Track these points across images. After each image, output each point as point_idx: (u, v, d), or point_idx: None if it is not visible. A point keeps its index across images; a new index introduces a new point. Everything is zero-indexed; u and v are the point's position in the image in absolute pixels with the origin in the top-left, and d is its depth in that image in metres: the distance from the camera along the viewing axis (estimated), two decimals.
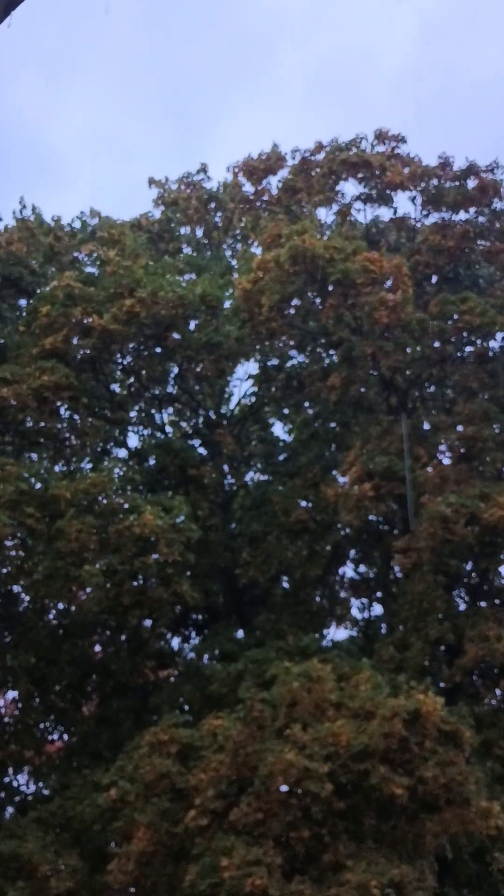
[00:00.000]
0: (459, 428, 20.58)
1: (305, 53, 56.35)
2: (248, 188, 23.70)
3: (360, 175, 21.55)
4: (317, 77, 50.50)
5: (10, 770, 20.76)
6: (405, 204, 22.33)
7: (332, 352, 22.16)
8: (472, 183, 21.53)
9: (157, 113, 58.42)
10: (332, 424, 23.10)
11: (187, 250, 25.84)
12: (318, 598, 23.11)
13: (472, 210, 21.54)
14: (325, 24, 54.00)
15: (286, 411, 24.46)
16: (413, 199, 21.90)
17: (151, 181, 26.09)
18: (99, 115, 57.07)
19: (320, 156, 22.05)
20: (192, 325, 21.68)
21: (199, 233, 26.21)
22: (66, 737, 21.41)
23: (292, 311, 20.92)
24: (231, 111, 54.61)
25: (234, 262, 24.75)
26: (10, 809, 20.12)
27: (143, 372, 22.70)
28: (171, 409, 24.38)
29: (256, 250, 22.52)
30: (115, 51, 57.18)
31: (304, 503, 21.71)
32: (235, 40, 55.98)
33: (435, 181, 21.63)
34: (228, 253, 25.86)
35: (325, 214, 23.09)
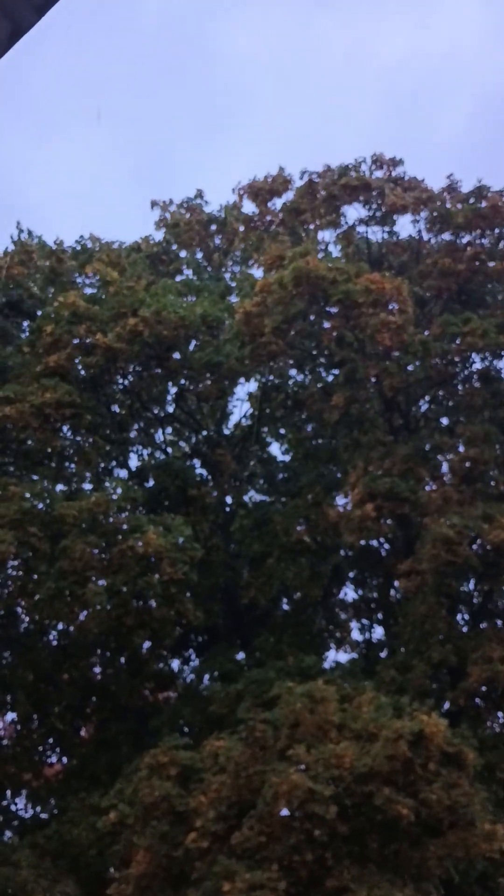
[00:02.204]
0: (461, 449, 20.59)
1: (278, 106, 57.17)
2: (253, 209, 23.87)
3: (361, 198, 21.68)
4: (290, 129, 51.31)
5: (9, 793, 20.55)
6: (409, 227, 22.49)
7: (334, 371, 22.21)
8: (482, 205, 21.65)
9: (130, 168, 58.80)
10: (333, 444, 23.13)
11: (188, 272, 25.98)
12: (318, 620, 23.02)
13: (479, 232, 21.63)
14: (296, 78, 54.88)
15: (283, 431, 24.49)
16: (415, 222, 22.03)
17: (154, 203, 26.28)
18: (73, 172, 57.34)
19: (327, 179, 22.22)
20: (193, 345, 21.77)
21: (199, 255, 26.35)
22: (64, 759, 21.22)
23: (293, 332, 20.98)
24: (206, 163, 55.03)
25: (233, 285, 24.88)
26: (8, 833, 19.89)
27: (144, 392, 22.77)
28: (170, 429, 24.41)
29: (257, 272, 22.63)
30: (85, 105, 57.65)
31: (304, 524, 21.68)
32: (208, 93, 56.81)
33: (440, 203, 21.73)
34: (227, 276, 26.00)
35: (329, 237, 23.27)
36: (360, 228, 22.51)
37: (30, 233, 24.95)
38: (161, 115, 57.60)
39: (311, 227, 22.81)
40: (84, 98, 56.07)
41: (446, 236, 21.84)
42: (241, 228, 24.66)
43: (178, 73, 58.08)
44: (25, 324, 23.67)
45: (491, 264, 21.31)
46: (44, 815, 19.96)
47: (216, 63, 57.65)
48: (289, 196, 23.28)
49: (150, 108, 58.17)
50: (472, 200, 21.78)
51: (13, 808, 20.74)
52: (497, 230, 21.73)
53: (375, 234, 22.62)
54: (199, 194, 26.44)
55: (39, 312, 22.74)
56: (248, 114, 59.08)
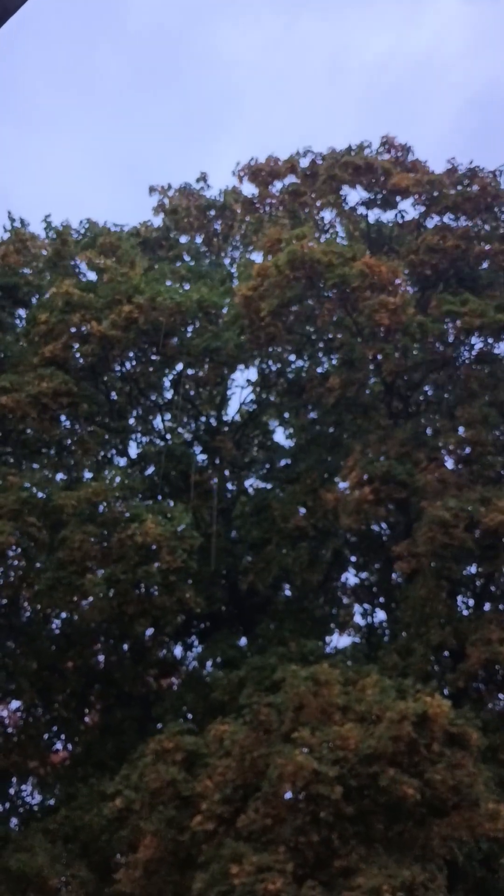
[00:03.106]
0: (461, 431, 20.58)
1: (266, 106, 56.99)
2: (253, 191, 23.74)
3: (363, 180, 21.56)
4: (278, 129, 51.19)
5: (14, 780, 20.61)
6: (411, 209, 22.40)
7: (333, 356, 22.17)
8: (474, 187, 21.59)
9: (119, 169, 58.54)
10: (332, 429, 23.11)
11: (187, 258, 25.87)
12: (320, 605, 23.06)
13: (474, 213, 21.56)
14: (284, 79, 54.75)
15: (286, 416, 24.46)
16: (415, 205, 21.93)
17: (152, 189, 26.11)
18: (61, 171, 57.07)
19: (327, 161, 22.08)
20: (191, 331, 21.70)
21: (199, 240, 26.22)
22: (70, 746, 21.29)
23: (292, 316, 20.92)
24: (195, 163, 54.75)
25: (233, 270, 24.79)
26: (14, 821, 19.97)
27: (142, 379, 22.72)
28: (169, 416, 24.38)
29: (256, 256, 22.53)
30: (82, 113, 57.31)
31: (303, 509, 21.69)
32: (196, 94, 56.64)
33: (439, 185, 21.64)
34: (227, 261, 25.90)
35: (329, 218, 23.16)
36: (361, 210, 22.39)
37: (22, 221, 24.85)
38: (150, 115, 57.55)
39: (312, 209, 22.69)
40: (75, 97, 55.93)
41: (446, 219, 21.76)
42: (239, 211, 24.54)
43: (167, 74, 58.22)
44: (21, 312, 23.58)
45: (487, 247, 21.23)
46: (51, 802, 20.03)
47: (204, 64, 57.94)
48: (290, 179, 23.15)
49: (138, 108, 58.11)
50: (465, 182, 21.71)
51: (21, 794, 20.80)
52: (489, 211, 21.67)
53: (377, 216, 22.50)
54: (203, 177, 26.20)
55: (35, 300, 22.66)
56: (237, 114, 59.28)
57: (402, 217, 22.37)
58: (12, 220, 24.78)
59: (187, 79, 56.81)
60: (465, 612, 20.77)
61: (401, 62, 51.92)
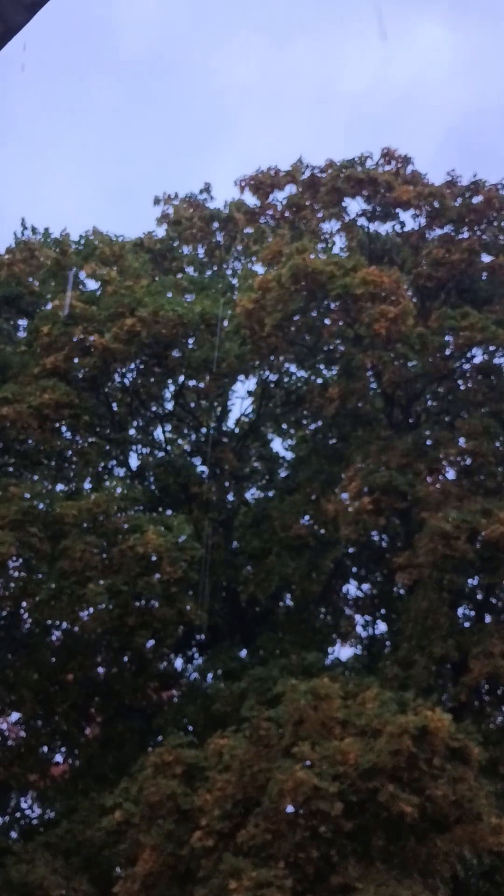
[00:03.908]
0: (462, 442, 20.55)
1: (257, 133, 57.36)
2: (255, 202, 23.76)
3: (365, 192, 21.59)
4: (268, 155, 51.51)
5: (13, 794, 20.56)
6: (411, 221, 22.41)
7: (334, 367, 22.16)
8: (477, 199, 21.61)
9: (111, 191, 58.84)
10: (333, 440, 23.09)
11: (189, 269, 25.86)
12: (321, 616, 23.00)
13: (477, 226, 21.57)
14: (273, 105, 55.16)
15: (286, 427, 24.44)
16: (416, 217, 21.94)
17: (157, 199, 26.08)
18: (53, 193, 57.31)
19: (329, 173, 22.11)
20: (192, 342, 21.71)
21: (202, 251, 26.20)
22: (70, 759, 21.24)
23: (293, 328, 20.93)
24: (187, 188, 55.01)
25: (235, 282, 24.77)
26: (14, 834, 19.91)
27: (143, 390, 22.71)
28: (170, 427, 24.37)
29: (259, 268, 22.55)
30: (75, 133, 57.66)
31: (304, 519, 21.65)
32: (189, 120, 57.18)
33: (440, 198, 21.65)
34: (230, 272, 25.89)
35: (330, 229, 23.16)
36: (362, 222, 22.40)
37: (34, 229, 24.65)
38: (143, 140, 58.04)
39: (313, 220, 22.71)
40: (69, 124, 56.35)
41: (447, 230, 21.77)
42: (240, 222, 24.54)
43: (159, 100, 58.92)
44: (24, 322, 23.57)
45: (487, 259, 21.23)
46: (51, 815, 19.98)
47: (196, 91, 58.79)
48: (290, 190, 23.17)
49: (131, 134, 58.55)
50: (467, 194, 21.72)
51: (21, 807, 20.74)
52: (493, 223, 21.66)
53: (378, 228, 22.51)
54: (207, 188, 26.16)
55: (39, 310, 22.63)
56: (228, 139, 60.14)
57: (402, 228, 22.38)
58: (24, 227, 24.58)
59: (179, 104, 57.75)
60: (467, 624, 20.73)
61: (386, 90, 52.33)
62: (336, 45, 55.65)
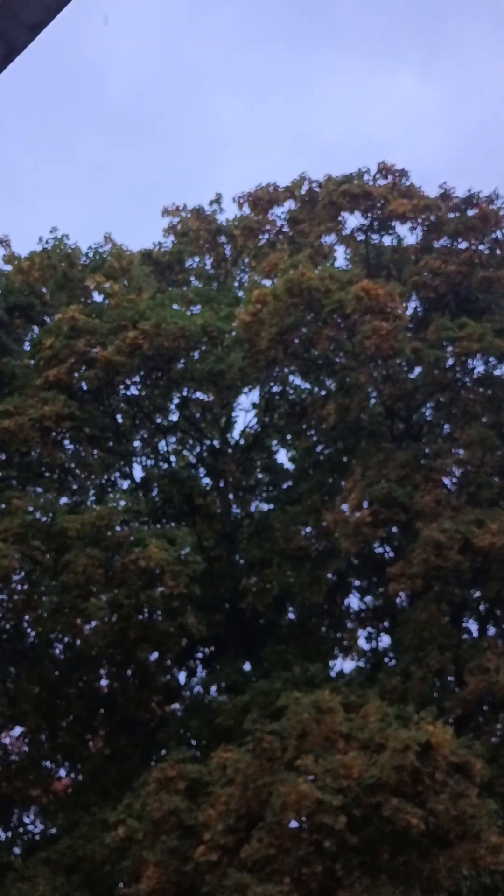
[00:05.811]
0: (461, 453, 20.53)
1: (236, 181, 57.92)
2: (254, 218, 23.87)
3: (361, 206, 21.67)
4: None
5: (16, 809, 20.47)
6: (407, 234, 22.49)
7: (333, 380, 22.18)
8: (472, 212, 21.68)
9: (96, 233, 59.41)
10: (334, 452, 23.07)
11: (196, 282, 25.88)
12: (324, 629, 22.94)
13: (473, 240, 21.64)
14: (251, 155, 55.73)
15: (289, 438, 24.41)
16: (413, 230, 22.01)
17: (165, 211, 26.08)
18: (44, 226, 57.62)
19: (326, 188, 22.22)
20: (196, 355, 21.73)
21: (209, 264, 26.21)
22: (73, 773, 21.15)
23: (297, 339, 20.97)
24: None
25: (240, 294, 24.76)
26: (16, 850, 19.82)
27: (146, 402, 22.71)
28: (174, 439, 24.35)
29: (265, 281, 22.63)
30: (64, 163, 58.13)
31: (305, 530, 21.62)
32: (172, 164, 57.84)
33: (435, 213, 21.74)
34: (236, 284, 25.91)
35: (329, 243, 23.22)
36: (359, 236, 22.48)
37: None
38: (127, 181, 58.54)
39: (311, 234, 22.81)
40: (55, 165, 56.87)
41: (443, 242, 21.84)
42: (238, 236, 24.64)
43: (142, 142, 59.61)
44: (33, 331, 23.45)
45: (482, 272, 21.27)
46: (54, 831, 19.88)
47: (179, 135, 59.47)
48: (290, 205, 23.29)
49: (115, 175, 59.11)
50: (463, 207, 21.82)
51: (22, 823, 20.66)
52: (490, 236, 21.74)
53: (376, 241, 22.59)
54: (217, 199, 26.06)
55: (47, 320, 22.61)
56: (210, 180, 60.68)
57: (399, 241, 22.46)
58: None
59: (163, 147, 58.43)
60: (468, 637, 20.61)
61: (357, 141, 52.87)
62: (309, 97, 56.60)
